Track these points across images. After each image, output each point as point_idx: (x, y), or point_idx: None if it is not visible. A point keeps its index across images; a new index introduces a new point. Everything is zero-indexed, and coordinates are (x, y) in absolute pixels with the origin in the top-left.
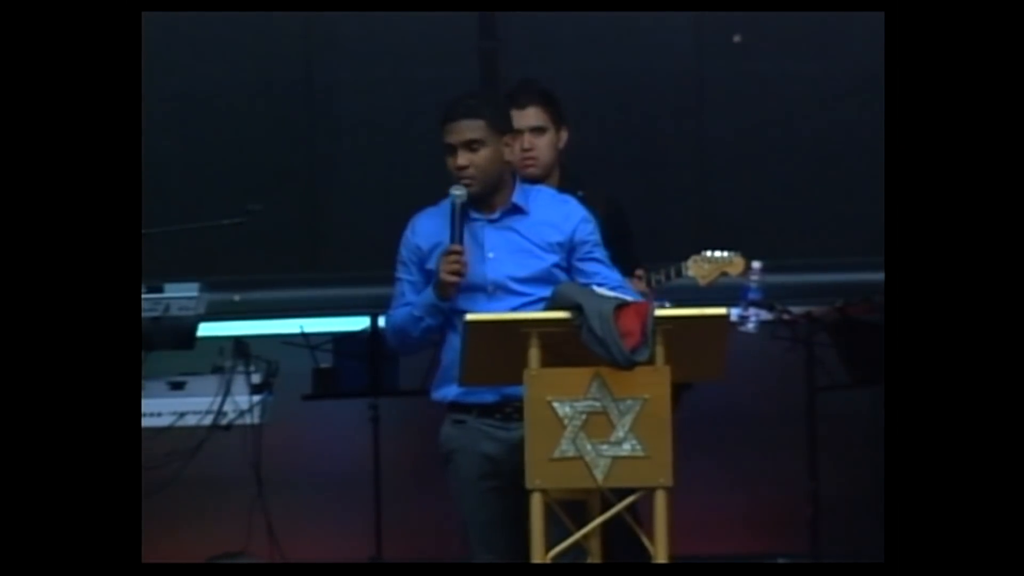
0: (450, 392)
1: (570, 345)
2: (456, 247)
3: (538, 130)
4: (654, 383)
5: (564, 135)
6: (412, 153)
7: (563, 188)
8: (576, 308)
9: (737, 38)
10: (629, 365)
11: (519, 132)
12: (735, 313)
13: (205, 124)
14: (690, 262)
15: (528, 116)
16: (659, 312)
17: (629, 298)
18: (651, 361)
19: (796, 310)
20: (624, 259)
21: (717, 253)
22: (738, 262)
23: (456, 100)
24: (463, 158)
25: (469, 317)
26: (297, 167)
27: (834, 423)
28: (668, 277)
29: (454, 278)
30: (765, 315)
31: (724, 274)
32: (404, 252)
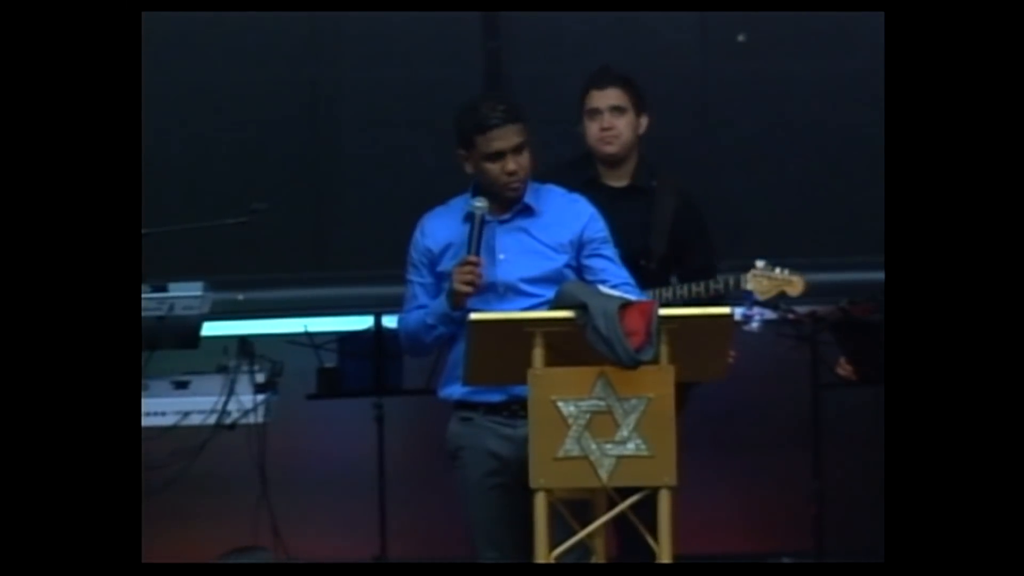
0: (456, 390)
1: (574, 344)
2: (472, 258)
3: (617, 109)
4: (659, 382)
5: (644, 121)
6: (416, 153)
7: (639, 176)
8: (581, 307)
9: (742, 38)
10: (634, 364)
11: (598, 112)
12: (739, 312)
13: (209, 124)
14: (750, 275)
15: (608, 96)
16: (664, 311)
17: (634, 297)
18: (656, 360)
19: (800, 309)
20: (696, 256)
21: (777, 270)
22: (797, 282)
23: (488, 106)
24: (513, 163)
25: (473, 317)
26: (301, 166)
27: (838, 422)
28: (727, 287)
29: (468, 288)
30: (769, 314)
31: (783, 293)
32: (414, 254)
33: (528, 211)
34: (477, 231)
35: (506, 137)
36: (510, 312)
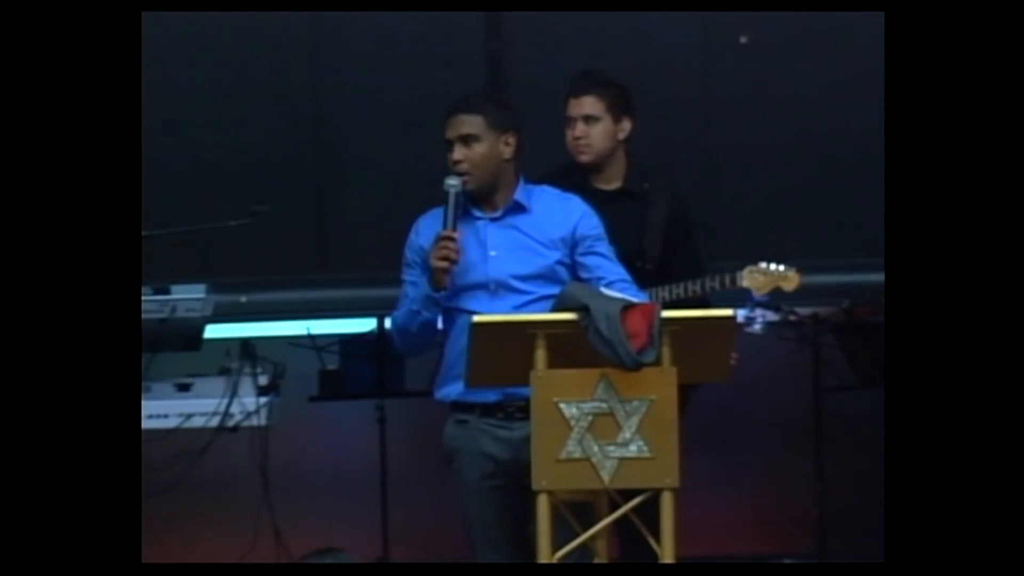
0: (452, 391)
1: (576, 346)
2: (448, 233)
3: (591, 119)
4: (661, 384)
5: (627, 125)
6: (418, 154)
7: (629, 179)
8: (583, 309)
9: (744, 39)
10: (636, 366)
11: (573, 120)
12: (741, 314)
13: (212, 125)
14: (745, 272)
15: (582, 105)
16: (666, 313)
17: (635, 299)
18: (658, 362)
19: (802, 311)
20: (684, 262)
21: (772, 266)
22: (793, 277)
23: (458, 97)
24: (458, 152)
25: (475, 319)
26: (303, 168)
27: (840, 424)
28: (723, 285)
29: (444, 263)
30: (771, 316)
31: (778, 288)
32: (408, 254)
33: (520, 209)
34: (452, 208)
35: (454, 126)
36: (512, 314)
